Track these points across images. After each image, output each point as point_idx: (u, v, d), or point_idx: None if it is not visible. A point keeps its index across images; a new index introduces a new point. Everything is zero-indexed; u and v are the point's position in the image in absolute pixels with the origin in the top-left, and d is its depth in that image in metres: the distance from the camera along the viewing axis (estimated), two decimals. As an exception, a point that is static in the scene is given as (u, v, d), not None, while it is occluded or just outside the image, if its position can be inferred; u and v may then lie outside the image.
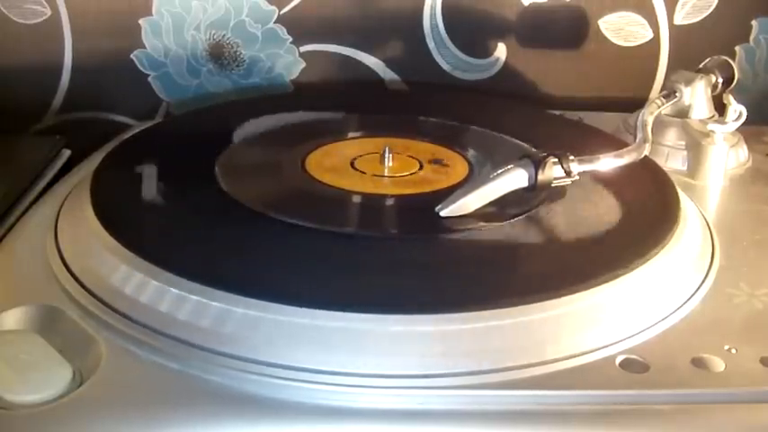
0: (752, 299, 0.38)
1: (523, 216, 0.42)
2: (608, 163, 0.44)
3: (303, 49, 0.67)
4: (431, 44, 0.68)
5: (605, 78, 0.69)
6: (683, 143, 0.53)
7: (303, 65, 0.68)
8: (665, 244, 0.40)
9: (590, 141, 0.50)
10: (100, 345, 0.34)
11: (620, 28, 0.67)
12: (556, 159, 0.42)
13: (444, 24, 0.67)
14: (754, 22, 0.68)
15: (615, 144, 0.49)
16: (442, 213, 0.42)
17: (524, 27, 0.67)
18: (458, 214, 0.42)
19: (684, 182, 0.51)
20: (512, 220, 0.42)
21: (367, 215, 0.45)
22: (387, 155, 0.48)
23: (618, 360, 0.34)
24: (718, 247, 0.43)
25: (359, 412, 0.31)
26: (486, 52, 0.68)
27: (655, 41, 0.68)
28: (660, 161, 0.52)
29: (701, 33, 0.67)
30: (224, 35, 0.66)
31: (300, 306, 0.34)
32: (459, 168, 0.49)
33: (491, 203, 0.42)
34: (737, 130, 0.52)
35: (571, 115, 0.62)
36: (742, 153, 0.54)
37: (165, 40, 0.66)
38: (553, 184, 0.43)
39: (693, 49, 0.66)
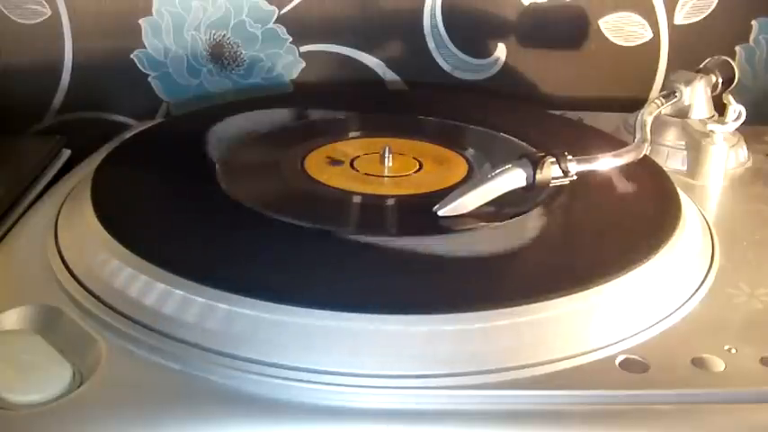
0: (752, 299, 0.38)
1: (522, 216, 0.42)
2: (606, 163, 0.44)
3: (303, 49, 0.67)
4: (431, 44, 0.68)
5: (605, 78, 0.69)
6: (683, 143, 0.53)
7: (303, 65, 0.68)
8: (665, 244, 0.40)
9: (590, 141, 0.50)
10: (100, 345, 0.34)
11: (620, 28, 0.67)
12: (554, 159, 0.42)
13: (444, 24, 0.67)
14: (754, 22, 0.68)
15: (615, 144, 0.49)
16: (440, 213, 0.42)
17: (524, 27, 0.67)
18: (455, 214, 0.42)
19: (684, 182, 0.51)
20: (510, 220, 0.42)
21: (366, 215, 0.45)
22: (387, 155, 0.48)
23: (618, 360, 0.34)
24: (718, 247, 0.43)
25: (359, 412, 0.31)
26: (486, 52, 0.68)
27: (655, 41, 0.68)
28: (660, 161, 0.52)
29: (700, 33, 0.67)
30: (224, 35, 0.66)
31: (300, 306, 0.34)
32: (458, 168, 0.49)
33: (489, 203, 0.42)
34: (737, 130, 0.52)
35: (571, 115, 0.62)
36: (742, 153, 0.54)
37: (165, 40, 0.66)
38: (551, 184, 0.43)
39: (693, 49, 0.66)
